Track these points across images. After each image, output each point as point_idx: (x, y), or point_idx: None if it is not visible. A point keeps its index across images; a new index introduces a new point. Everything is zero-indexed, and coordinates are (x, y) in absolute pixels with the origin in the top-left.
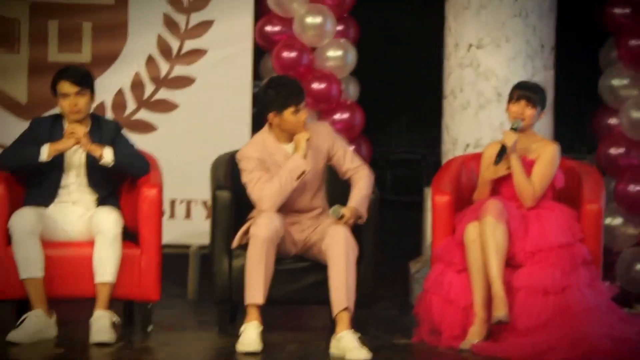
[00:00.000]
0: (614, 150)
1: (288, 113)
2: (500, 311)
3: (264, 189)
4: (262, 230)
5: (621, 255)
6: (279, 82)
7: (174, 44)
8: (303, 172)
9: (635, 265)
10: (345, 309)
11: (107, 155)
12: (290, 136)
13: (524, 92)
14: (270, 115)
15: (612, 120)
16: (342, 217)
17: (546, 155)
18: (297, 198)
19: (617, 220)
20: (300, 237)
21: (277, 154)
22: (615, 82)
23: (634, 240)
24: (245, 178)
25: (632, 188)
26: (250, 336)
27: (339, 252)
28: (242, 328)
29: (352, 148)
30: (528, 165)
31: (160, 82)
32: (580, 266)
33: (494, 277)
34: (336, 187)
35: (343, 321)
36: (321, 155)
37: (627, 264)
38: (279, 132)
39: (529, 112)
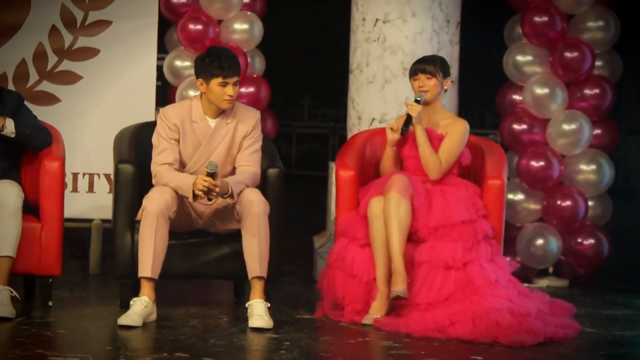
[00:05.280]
0: (517, 126)
1: (214, 83)
2: (399, 286)
3: (163, 175)
4: (153, 204)
5: (522, 230)
6: (216, 51)
7: (78, 14)
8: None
9: (535, 240)
10: (257, 277)
11: (10, 126)
12: (216, 111)
13: (419, 65)
14: (198, 82)
15: (516, 97)
16: (213, 174)
17: (456, 131)
18: None
19: (519, 196)
20: (206, 210)
21: (199, 124)
22: (520, 58)
23: (535, 215)
24: (154, 140)
25: (534, 164)
26: (133, 310)
27: (253, 218)
28: (132, 302)
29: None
30: (437, 140)
31: (64, 53)
32: (482, 241)
33: (395, 253)
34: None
35: (255, 289)
36: (239, 140)
37: (528, 239)
38: (207, 103)
39: (431, 83)
